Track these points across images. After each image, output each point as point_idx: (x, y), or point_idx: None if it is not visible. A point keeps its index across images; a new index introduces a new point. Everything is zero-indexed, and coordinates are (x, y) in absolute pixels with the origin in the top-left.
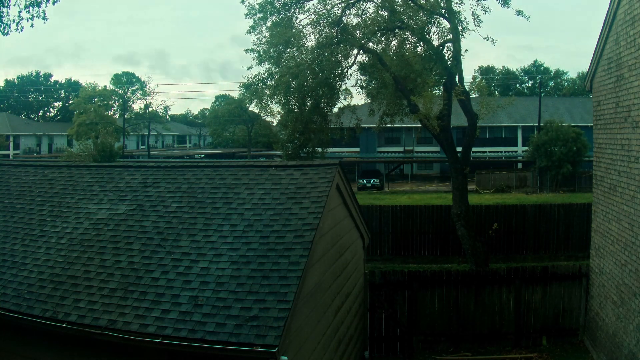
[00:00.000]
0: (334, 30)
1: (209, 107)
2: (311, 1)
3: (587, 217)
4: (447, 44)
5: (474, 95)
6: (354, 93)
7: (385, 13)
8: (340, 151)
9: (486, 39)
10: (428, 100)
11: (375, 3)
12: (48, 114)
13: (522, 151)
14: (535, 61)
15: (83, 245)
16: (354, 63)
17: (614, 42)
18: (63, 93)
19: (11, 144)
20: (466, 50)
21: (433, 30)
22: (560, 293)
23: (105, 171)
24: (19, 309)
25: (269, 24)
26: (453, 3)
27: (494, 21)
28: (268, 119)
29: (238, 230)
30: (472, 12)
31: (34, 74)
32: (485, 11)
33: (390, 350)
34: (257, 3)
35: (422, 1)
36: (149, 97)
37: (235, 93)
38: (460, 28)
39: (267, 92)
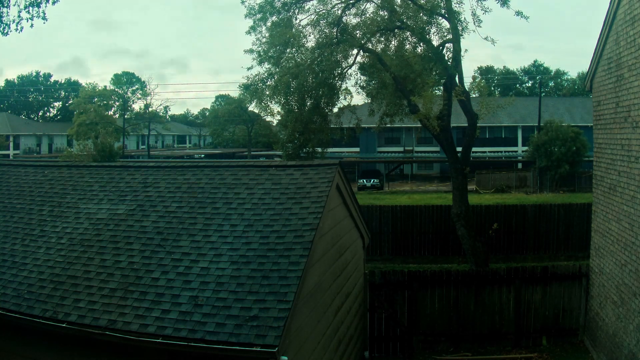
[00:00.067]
0: (334, 30)
1: (209, 107)
2: (311, 1)
3: (587, 217)
4: (447, 44)
5: (474, 95)
6: (354, 93)
7: (385, 13)
8: (340, 151)
9: (486, 39)
10: (428, 100)
11: (375, 3)
12: (48, 114)
13: (522, 151)
14: (535, 61)
15: (83, 245)
16: (353, 63)
17: (614, 42)
18: (63, 93)
19: (11, 144)
20: (466, 50)
21: (433, 30)
22: (560, 293)
23: (105, 171)
24: (19, 309)
25: (269, 24)
26: (453, 3)
27: (494, 21)
28: (268, 119)
29: (238, 230)
30: (472, 12)
31: (34, 74)
32: (485, 11)
33: (390, 350)
34: (257, 3)
35: (422, 1)
36: (149, 97)
37: (235, 93)
38: (460, 28)
39: (267, 92)
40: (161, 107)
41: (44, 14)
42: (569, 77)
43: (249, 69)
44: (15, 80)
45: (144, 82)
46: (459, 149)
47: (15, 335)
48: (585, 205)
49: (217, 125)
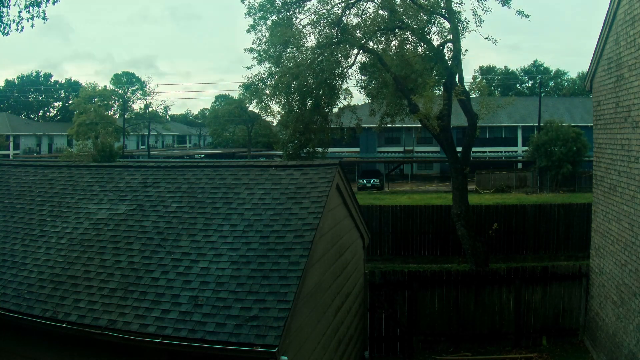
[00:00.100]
0: (334, 30)
1: (209, 107)
2: (311, 1)
3: (587, 217)
4: (447, 44)
5: (474, 95)
6: (354, 93)
7: (385, 13)
8: (341, 151)
9: (487, 38)
10: (428, 100)
11: (375, 3)
12: (48, 114)
13: (522, 151)
14: (535, 61)
15: (83, 245)
16: (354, 63)
17: (614, 42)
18: (63, 93)
19: (11, 144)
20: (466, 50)
21: (433, 30)
22: (560, 293)
23: (105, 171)
24: (19, 309)
25: (269, 23)
26: (453, 3)
27: (495, 21)
28: (268, 119)
29: (238, 230)
30: (473, 11)
31: (34, 74)
32: (486, 11)
33: (390, 350)
34: (257, 2)
35: (422, 1)
36: (149, 97)
37: (235, 93)
38: (460, 28)
39: (267, 92)
40: (161, 107)
41: (44, 13)
42: (569, 77)
43: (249, 68)
44: (15, 80)
45: (143, 82)
46: (459, 149)
47: (15, 335)
48: (585, 205)
49: (217, 125)
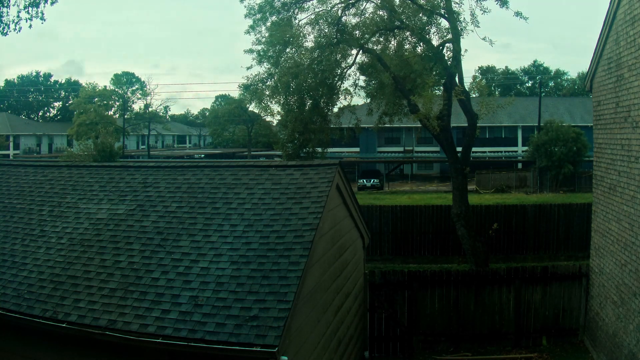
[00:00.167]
0: (334, 30)
1: (209, 107)
2: (311, 1)
3: (587, 217)
4: (446, 44)
5: (474, 95)
6: (354, 93)
7: (385, 13)
8: (340, 151)
9: (484, 39)
10: (428, 100)
11: (375, 3)
12: (48, 114)
13: (522, 151)
14: (535, 61)
15: (83, 245)
16: (353, 63)
17: (614, 42)
18: (63, 93)
19: (11, 144)
20: (466, 50)
21: (433, 30)
22: (560, 293)
23: (105, 171)
24: (19, 309)
25: (269, 24)
26: (452, 3)
27: (494, 21)
28: (268, 119)
29: (238, 230)
30: (471, 12)
31: (34, 74)
32: (484, 12)
33: (390, 350)
34: (257, 3)
35: (421, 1)
36: (149, 97)
37: (235, 93)
38: (459, 28)
39: (267, 92)
40: (161, 107)
41: (42, 14)
42: (569, 77)
43: (248, 68)
44: (15, 80)
45: (143, 82)
46: (459, 149)
47: (15, 335)
48: (585, 205)
49: (217, 125)
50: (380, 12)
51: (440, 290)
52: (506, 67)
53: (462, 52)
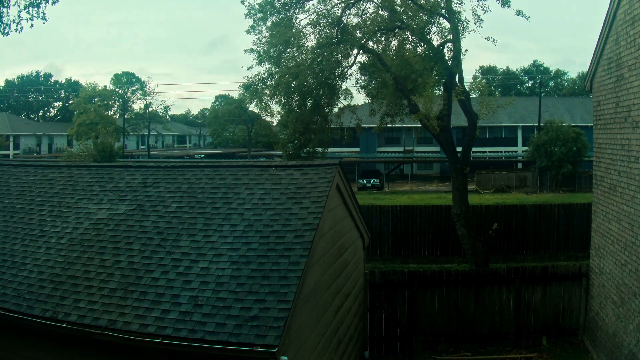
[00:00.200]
0: (334, 30)
1: (209, 107)
2: (311, 1)
3: (587, 217)
4: (447, 44)
5: (474, 95)
6: (354, 93)
7: (385, 13)
8: (340, 151)
9: (487, 38)
10: (428, 100)
11: (375, 3)
12: (48, 114)
13: (522, 151)
14: (535, 61)
15: (83, 245)
16: (354, 63)
17: (614, 42)
18: (63, 93)
19: (11, 144)
20: (466, 50)
21: (433, 30)
22: (560, 293)
23: (105, 171)
24: (19, 309)
25: (269, 24)
26: (453, 3)
27: (494, 21)
28: (268, 119)
29: (238, 230)
30: (473, 12)
31: (34, 74)
32: (486, 11)
33: (390, 350)
34: (257, 3)
35: (422, 1)
36: (148, 97)
37: (235, 93)
38: (460, 28)
39: (267, 92)
40: (161, 107)
41: (44, 14)
42: (569, 77)
43: (249, 68)
44: (15, 80)
45: (143, 82)
46: (459, 149)
47: (15, 335)
48: (585, 205)
49: (217, 125)
50: (381, 12)
51: (440, 290)
52: (506, 67)
53: (463, 52)
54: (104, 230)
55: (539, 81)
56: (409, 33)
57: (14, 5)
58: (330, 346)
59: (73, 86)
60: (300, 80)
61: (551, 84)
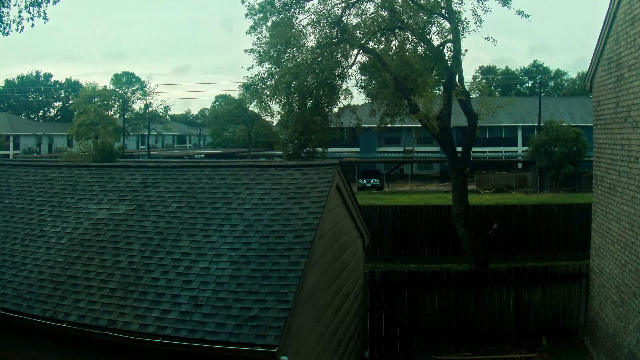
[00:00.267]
0: (334, 30)
1: (209, 107)
2: (311, 1)
3: (587, 217)
4: (447, 44)
5: (474, 95)
6: (354, 93)
7: (385, 13)
8: (341, 151)
9: (487, 38)
10: (428, 100)
11: (375, 3)
12: (48, 114)
13: (522, 151)
14: (535, 61)
15: (83, 245)
16: (354, 63)
17: (614, 42)
18: (63, 93)
19: (11, 144)
20: (466, 50)
21: (433, 30)
22: (560, 293)
23: (105, 171)
24: (19, 309)
25: (269, 24)
26: (453, 3)
27: (494, 21)
28: (268, 119)
29: (238, 230)
30: (473, 11)
31: (34, 74)
32: (486, 11)
33: (390, 350)
34: (257, 3)
35: (422, 1)
36: (148, 97)
37: (235, 93)
38: (460, 28)
39: (267, 92)
40: (161, 107)
41: (45, 13)
42: (569, 77)
43: (249, 68)
44: (15, 80)
45: (143, 82)
46: (459, 149)
47: (15, 335)
48: (585, 205)
49: (217, 125)
50: (381, 12)
51: (440, 290)
52: (506, 67)
53: (462, 52)
54: (104, 230)
55: (539, 81)
56: (409, 33)
57: (14, 5)
58: (330, 346)
59: (73, 86)
60: (300, 80)
61: (551, 84)
